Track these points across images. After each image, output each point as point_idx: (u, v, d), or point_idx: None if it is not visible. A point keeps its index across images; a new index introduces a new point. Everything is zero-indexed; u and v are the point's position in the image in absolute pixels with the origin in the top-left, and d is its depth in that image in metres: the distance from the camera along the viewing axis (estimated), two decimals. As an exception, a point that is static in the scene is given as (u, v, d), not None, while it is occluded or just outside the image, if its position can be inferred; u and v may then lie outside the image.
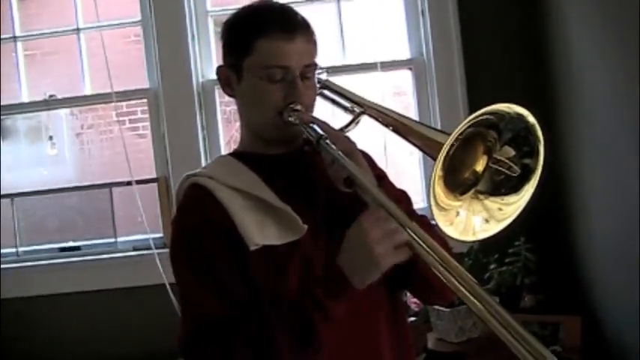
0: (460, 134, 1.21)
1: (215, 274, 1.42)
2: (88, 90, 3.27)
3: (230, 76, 1.53)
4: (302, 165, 1.54)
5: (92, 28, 3.24)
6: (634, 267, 2.47)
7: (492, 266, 2.74)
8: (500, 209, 1.28)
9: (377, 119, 1.51)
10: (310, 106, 1.50)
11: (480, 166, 1.31)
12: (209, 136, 3.14)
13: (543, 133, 1.24)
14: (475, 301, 1.16)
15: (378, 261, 1.28)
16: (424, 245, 1.24)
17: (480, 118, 1.21)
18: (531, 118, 1.24)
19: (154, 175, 3.16)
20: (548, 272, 2.91)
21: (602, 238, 2.73)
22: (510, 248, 2.76)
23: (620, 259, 2.61)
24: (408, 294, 2.68)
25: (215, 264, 1.42)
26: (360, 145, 1.49)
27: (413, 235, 1.25)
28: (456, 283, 1.18)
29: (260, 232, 1.41)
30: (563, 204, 2.95)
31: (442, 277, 1.20)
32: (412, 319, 2.62)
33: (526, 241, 2.73)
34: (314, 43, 1.50)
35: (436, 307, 2.61)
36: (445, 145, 1.19)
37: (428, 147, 1.32)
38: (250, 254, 1.40)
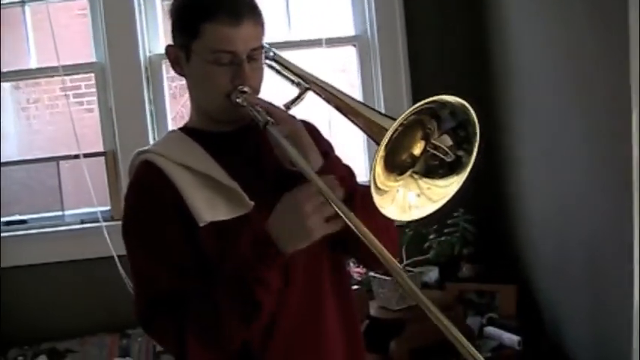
0: (404, 120, 1.27)
1: (166, 250, 1.47)
2: (33, 64, 3.26)
3: (179, 56, 1.55)
4: (250, 142, 1.59)
5: (38, 0, 3.21)
6: (565, 240, 2.60)
7: (432, 236, 2.85)
8: (429, 189, 1.36)
9: (321, 96, 1.57)
10: (257, 88, 1.55)
11: (417, 150, 1.37)
12: (156, 110, 3.17)
13: (481, 119, 1.30)
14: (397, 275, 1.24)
15: (310, 231, 1.35)
16: (350, 224, 1.29)
17: (425, 106, 1.27)
18: (472, 114, 1.30)
19: (101, 149, 3.18)
20: (486, 243, 3.03)
21: (537, 212, 2.85)
22: (449, 219, 2.87)
23: (552, 232, 2.74)
24: (351, 264, 2.78)
25: (166, 239, 1.47)
26: (308, 117, 1.55)
27: (341, 213, 1.31)
28: (382, 259, 1.26)
29: (209, 208, 1.47)
30: (501, 177, 3.07)
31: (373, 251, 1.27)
32: (354, 287, 2.71)
33: (465, 213, 2.83)
34: (261, 25, 1.53)
35: (378, 275, 2.70)
36: (389, 131, 1.25)
37: (371, 130, 1.37)
38: (200, 230, 1.45)
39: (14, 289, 3.06)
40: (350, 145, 3.34)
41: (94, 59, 3.20)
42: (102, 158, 3.16)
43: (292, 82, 1.67)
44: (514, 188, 3.01)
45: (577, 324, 2.57)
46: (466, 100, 1.26)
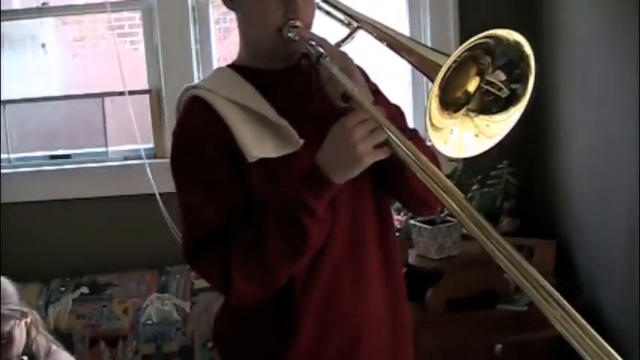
0: (458, 57, 1.25)
1: (215, 186, 1.48)
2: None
3: None
4: (300, 80, 1.58)
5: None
6: (608, 197, 2.56)
7: (474, 187, 2.82)
8: (488, 126, 1.35)
9: (373, 34, 1.55)
10: (309, 23, 1.54)
11: (471, 87, 1.36)
12: (202, 50, 3.15)
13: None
14: (454, 205, 1.22)
15: (360, 157, 1.35)
16: (404, 148, 1.30)
17: (479, 41, 1.25)
18: (528, 49, 1.28)
19: (146, 87, 3.19)
20: (528, 198, 3.00)
21: (580, 166, 2.81)
22: (493, 171, 2.84)
23: (596, 188, 2.70)
24: (392, 211, 2.78)
25: (215, 175, 1.48)
26: (356, 61, 1.54)
27: (394, 138, 1.31)
28: (435, 186, 1.24)
29: (258, 145, 1.47)
30: (547, 132, 3.02)
31: (423, 180, 1.27)
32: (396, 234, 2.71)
33: (509, 165, 2.80)
34: None
35: (417, 224, 2.70)
36: (444, 67, 1.24)
37: (424, 67, 1.37)
38: (249, 167, 1.46)
39: (58, 223, 3.11)
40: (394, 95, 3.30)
41: (141, -3, 3.20)
42: (146, 96, 3.17)
43: (342, 22, 1.66)
44: (559, 140, 2.96)
45: (614, 285, 2.55)
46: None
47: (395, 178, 1.50)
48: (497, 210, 2.95)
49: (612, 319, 2.63)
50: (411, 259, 2.72)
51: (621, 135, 2.38)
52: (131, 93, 3.08)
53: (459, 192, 1.22)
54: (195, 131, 1.51)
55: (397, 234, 2.72)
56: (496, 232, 1.13)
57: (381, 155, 1.36)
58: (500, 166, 2.75)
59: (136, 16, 3.29)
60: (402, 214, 2.80)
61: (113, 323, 2.84)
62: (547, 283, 1.02)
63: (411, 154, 1.28)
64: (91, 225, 3.11)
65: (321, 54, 1.45)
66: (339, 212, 1.51)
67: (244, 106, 1.51)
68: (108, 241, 3.09)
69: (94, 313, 2.84)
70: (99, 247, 3.08)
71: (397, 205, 2.75)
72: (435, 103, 1.28)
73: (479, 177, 2.85)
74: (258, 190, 1.47)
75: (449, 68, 1.25)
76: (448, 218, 2.72)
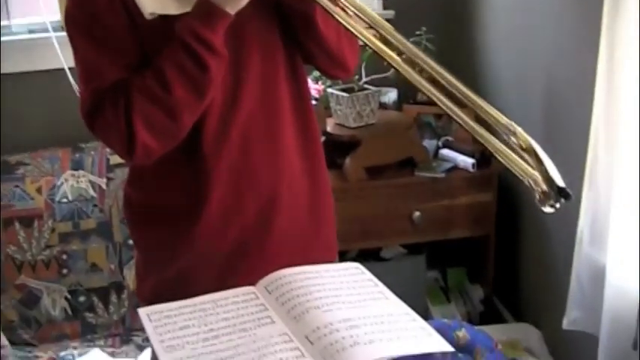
0: None
1: (112, 41, 1.42)
2: None
3: None
4: None
5: None
6: (530, 64, 2.57)
7: (392, 54, 2.78)
8: None
9: None
10: None
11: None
12: None
13: None
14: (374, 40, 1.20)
15: None
16: None
17: None
18: None
19: (48, -45, 3.00)
20: (447, 65, 2.97)
21: (502, 36, 2.80)
22: (411, 37, 2.79)
23: (514, 56, 2.70)
24: (309, 80, 2.73)
25: (112, 32, 1.41)
26: None
27: None
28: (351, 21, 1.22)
29: (157, 1, 1.40)
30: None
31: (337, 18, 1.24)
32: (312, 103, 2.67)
33: (427, 32, 2.76)
34: None
35: (336, 92, 2.67)
36: None
37: None
38: (146, 25, 1.40)
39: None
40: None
41: None
42: (49, -36, 2.99)
43: None
44: (478, 10, 2.94)
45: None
46: None
47: (306, 31, 1.46)
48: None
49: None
50: (329, 128, 2.70)
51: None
52: (32, -39, 2.89)
53: (385, 22, 1.21)
54: None
55: (315, 102, 2.70)
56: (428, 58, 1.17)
57: None
58: (418, 32, 2.71)
59: None
60: (319, 82, 2.76)
61: (27, 203, 2.76)
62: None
63: None
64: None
65: None
66: (248, 71, 1.47)
67: None
68: (17, 120, 2.97)
69: (6, 193, 2.75)
70: (7, 127, 2.96)
71: (315, 74, 2.71)
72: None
73: (396, 44, 2.80)
74: (155, 50, 1.40)
75: None
76: (366, 86, 2.70)
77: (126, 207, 1.67)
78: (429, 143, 2.86)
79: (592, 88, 1.93)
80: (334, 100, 2.68)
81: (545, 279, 2.58)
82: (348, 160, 2.60)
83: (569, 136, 2.25)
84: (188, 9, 1.39)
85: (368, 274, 1.23)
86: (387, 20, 1.46)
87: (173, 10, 1.40)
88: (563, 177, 1.06)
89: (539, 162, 1.06)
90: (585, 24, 2.09)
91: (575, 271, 2.07)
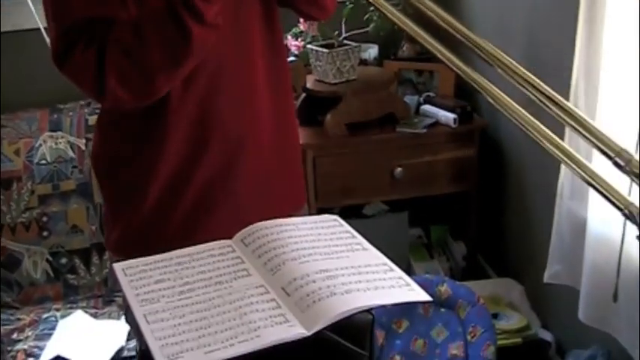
0: None
1: None
2: None
3: None
4: None
5: None
6: (505, 24, 2.54)
7: (372, 8, 2.74)
8: None
9: None
10: None
11: None
12: None
13: None
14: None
15: None
16: None
17: None
18: None
19: None
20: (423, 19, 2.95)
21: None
22: (392, -7, 2.76)
23: (494, 14, 2.67)
24: (289, 37, 2.70)
25: None
26: None
27: None
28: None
29: None
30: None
31: None
32: (292, 59, 2.64)
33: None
34: None
35: (315, 48, 2.63)
36: None
37: None
38: None
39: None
40: None
41: None
42: None
43: None
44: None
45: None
46: None
47: None
48: (398, 35, 2.91)
49: (508, 139, 2.68)
50: (310, 84, 2.67)
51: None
52: None
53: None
54: None
55: (294, 59, 2.67)
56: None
57: None
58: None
59: None
60: (299, 39, 2.72)
61: (5, 165, 2.73)
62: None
63: None
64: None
65: None
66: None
67: None
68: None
69: (-17, 155, 2.72)
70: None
71: (294, 30, 2.68)
72: None
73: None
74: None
75: None
76: (346, 42, 2.67)
77: (92, 157, 1.63)
78: (410, 99, 2.84)
79: (573, 43, 1.92)
80: (314, 56, 2.64)
81: (528, 234, 2.58)
82: (328, 117, 2.58)
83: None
84: None
85: (346, 226, 1.22)
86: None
87: None
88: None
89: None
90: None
91: (555, 224, 2.07)
